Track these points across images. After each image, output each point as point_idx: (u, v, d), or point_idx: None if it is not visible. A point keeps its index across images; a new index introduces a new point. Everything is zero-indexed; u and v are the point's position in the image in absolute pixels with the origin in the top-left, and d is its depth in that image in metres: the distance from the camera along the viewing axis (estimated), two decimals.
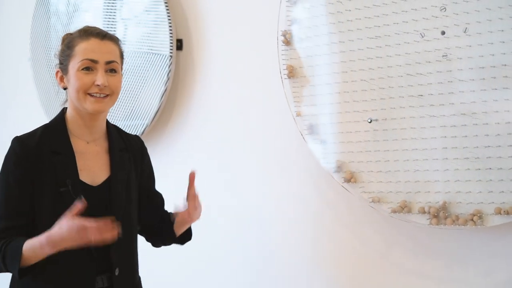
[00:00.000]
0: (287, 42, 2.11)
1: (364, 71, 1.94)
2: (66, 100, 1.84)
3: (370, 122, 1.94)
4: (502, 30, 1.68)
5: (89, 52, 1.72)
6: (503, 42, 1.68)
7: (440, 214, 1.82)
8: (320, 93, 2.04)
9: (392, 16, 1.88)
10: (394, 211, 1.90)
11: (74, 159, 1.73)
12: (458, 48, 1.76)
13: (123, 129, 1.94)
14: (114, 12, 2.74)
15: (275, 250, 2.33)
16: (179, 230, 1.89)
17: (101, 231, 1.56)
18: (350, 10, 1.96)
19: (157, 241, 1.96)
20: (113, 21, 2.72)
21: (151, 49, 2.53)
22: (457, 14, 1.75)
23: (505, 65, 1.68)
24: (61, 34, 3.01)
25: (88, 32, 1.75)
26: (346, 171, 2.00)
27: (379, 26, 1.90)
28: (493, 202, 1.74)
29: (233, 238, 2.46)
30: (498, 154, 1.72)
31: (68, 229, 1.56)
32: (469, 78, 1.75)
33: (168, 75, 2.49)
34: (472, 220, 1.76)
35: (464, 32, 1.75)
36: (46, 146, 1.72)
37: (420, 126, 1.85)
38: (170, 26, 2.48)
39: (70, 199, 1.67)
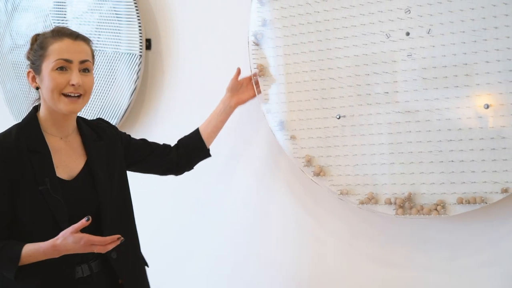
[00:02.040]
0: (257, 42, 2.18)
1: (332, 69, 2.02)
2: (38, 98, 1.86)
3: (338, 118, 2.03)
4: (463, 32, 1.78)
5: (64, 52, 1.75)
6: (464, 42, 1.78)
7: (406, 205, 1.91)
8: (290, 90, 2.11)
9: (359, 18, 1.96)
10: (362, 203, 1.99)
11: (50, 156, 1.76)
12: (422, 48, 1.85)
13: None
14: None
15: (244, 241, 2.39)
16: (210, 139, 2.17)
17: (106, 244, 1.63)
18: (318, 12, 2.03)
19: (184, 164, 2.16)
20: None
21: (121, 49, 2.56)
22: (421, 16, 1.85)
23: (466, 64, 1.79)
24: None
25: (61, 33, 1.78)
26: (315, 166, 2.08)
27: (346, 27, 1.98)
28: (455, 193, 1.84)
29: (204, 233, 2.50)
30: (459, 148, 1.82)
31: (74, 241, 1.61)
32: (433, 76, 1.84)
33: (137, 74, 2.52)
34: (436, 209, 1.87)
35: (428, 33, 1.85)
36: (23, 145, 1.73)
37: (386, 122, 1.94)
38: (139, 26, 2.51)
39: (49, 196, 1.71)
